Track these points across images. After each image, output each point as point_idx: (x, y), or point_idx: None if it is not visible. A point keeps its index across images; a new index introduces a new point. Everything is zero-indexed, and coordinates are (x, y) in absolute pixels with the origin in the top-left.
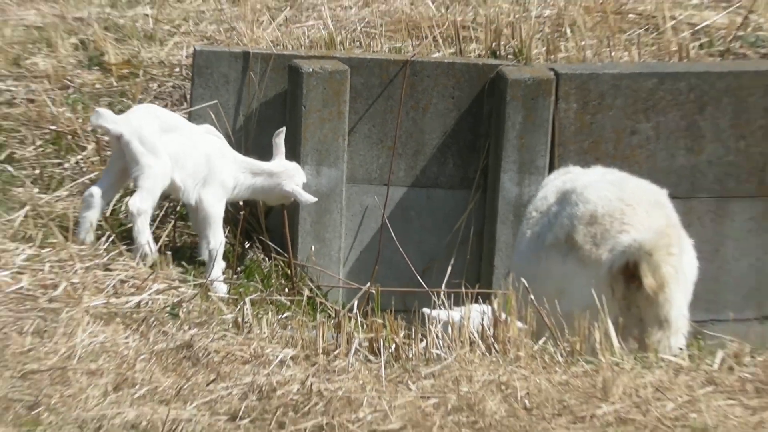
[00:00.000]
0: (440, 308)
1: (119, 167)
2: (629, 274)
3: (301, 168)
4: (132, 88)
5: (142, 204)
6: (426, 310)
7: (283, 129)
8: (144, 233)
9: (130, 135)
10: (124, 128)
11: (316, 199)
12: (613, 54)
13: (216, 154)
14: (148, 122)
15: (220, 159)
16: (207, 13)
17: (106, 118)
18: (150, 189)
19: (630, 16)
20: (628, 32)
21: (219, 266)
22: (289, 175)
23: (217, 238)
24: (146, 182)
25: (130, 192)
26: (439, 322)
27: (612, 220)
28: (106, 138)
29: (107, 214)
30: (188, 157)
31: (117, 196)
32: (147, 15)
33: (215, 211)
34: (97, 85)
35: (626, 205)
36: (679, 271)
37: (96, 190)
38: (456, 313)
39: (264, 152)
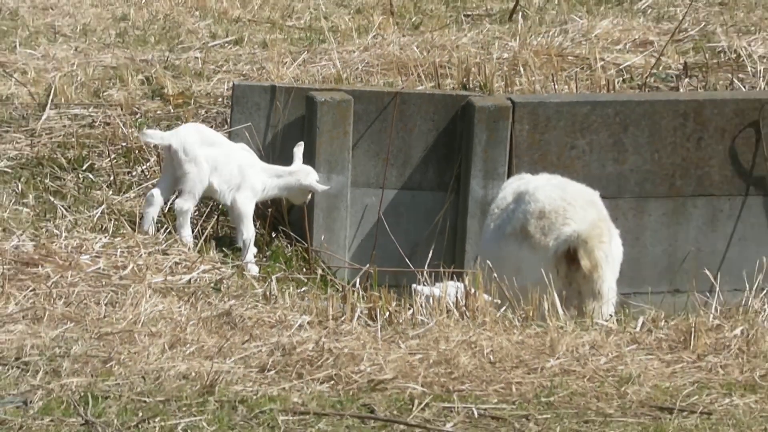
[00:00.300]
0: (424, 284)
1: (172, 173)
2: (570, 258)
3: (314, 169)
4: (185, 114)
5: (184, 204)
6: (414, 286)
7: (302, 142)
8: (185, 227)
9: (177, 146)
10: (173, 140)
11: (328, 187)
12: (556, 87)
13: (247, 165)
14: (191, 136)
15: (250, 168)
16: (243, 56)
17: (152, 135)
18: (190, 191)
19: (569, 57)
20: (567, 70)
21: (251, 252)
22: (305, 173)
23: (248, 232)
24: (188, 186)
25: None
26: (423, 295)
27: (557, 215)
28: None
29: (165, 210)
30: (224, 166)
31: (173, 197)
32: (197, 57)
33: (246, 210)
34: (158, 112)
35: (567, 203)
36: (608, 254)
37: (155, 191)
38: (436, 289)
39: (287, 161)
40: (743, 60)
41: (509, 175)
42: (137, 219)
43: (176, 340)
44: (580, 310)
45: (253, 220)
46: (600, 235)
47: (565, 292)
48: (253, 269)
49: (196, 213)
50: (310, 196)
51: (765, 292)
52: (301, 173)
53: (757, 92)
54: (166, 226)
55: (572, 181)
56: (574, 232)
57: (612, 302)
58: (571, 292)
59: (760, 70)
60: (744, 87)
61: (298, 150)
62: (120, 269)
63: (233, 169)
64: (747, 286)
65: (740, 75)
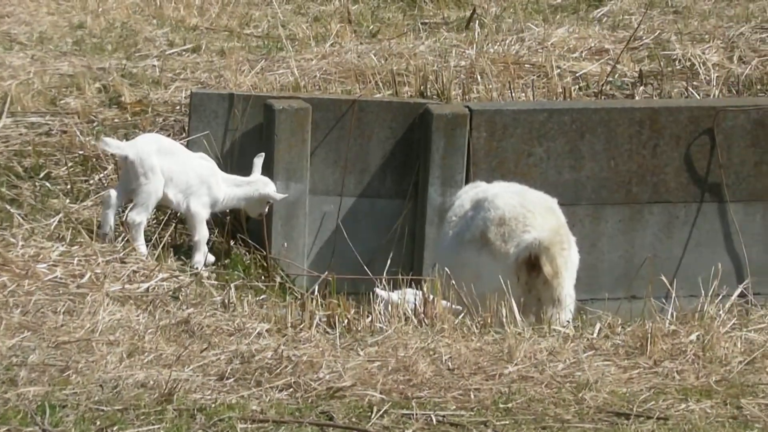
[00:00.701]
0: (384, 290)
1: (128, 182)
2: (530, 265)
3: (272, 181)
4: (143, 122)
5: (137, 217)
6: (376, 290)
7: (263, 154)
8: (138, 240)
9: (134, 157)
10: (130, 151)
11: (286, 195)
12: (513, 95)
13: (208, 174)
14: (148, 147)
15: (211, 178)
16: (201, 64)
17: (110, 144)
18: (144, 204)
19: (526, 65)
20: (524, 78)
21: (201, 254)
22: (264, 183)
23: (201, 233)
24: (141, 198)
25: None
26: (383, 300)
27: (517, 222)
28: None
29: (123, 219)
30: (180, 176)
31: (130, 205)
32: (155, 65)
33: (200, 214)
34: (116, 120)
35: (527, 210)
36: (568, 261)
37: (112, 192)
38: (395, 295)
39: (245, 170)
40: (697, 68)
41: (467, 182)
42: (95, 228)
43: (134, 349)
44: (539, 316)
45: (211, 227)
46: (561, 242)
47: (523, 299)
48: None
49: (154, 221)
50: (267, 208)
51: (720, 297)
52: (260, 183)
53: (711, 99)
54: (124, 234)
55: (530, 189)
56: (536, 239)
57: (570, 309)
58: (530, 299)
59: (713, 78)
60: (698, 94)
61: (258, 160)
62: (77, 278)
63: (190, 179)
64: (702, 291)
65: (694, 83)
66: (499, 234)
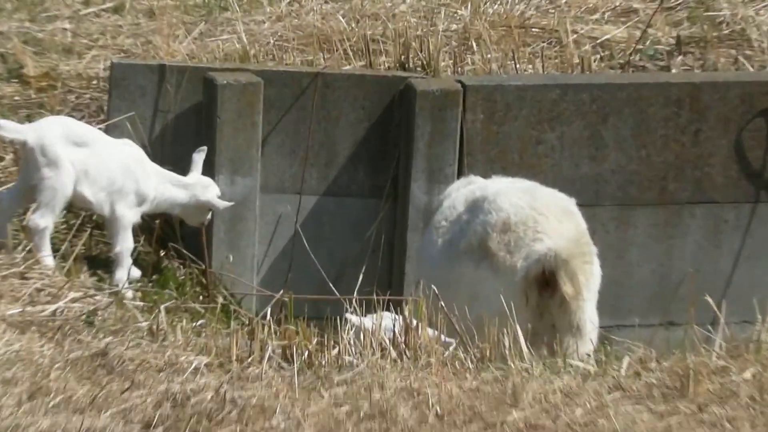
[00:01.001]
0: (355, 314)
1: (28, 177)
2: (543, 282)
3: (214, 183)
4: (50, 100)
5: (41, 221)
6: (347, 315)
7: (205, 148)
8: (43, 249)
9: (34, 143)
10: (29, 136)
11: (232, 203)
12: (517, 66)
13: (135, 166)
14: (53, 132)
15: (140, 171)
16: (124, 27)
17: (5, 127)
18: (49, 204)
19: (533, 30)
20: (531, 46)
21: (123, 268)
22: (204, 186)
23: (125, 243)
24: (45, 196)
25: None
26: (353, 327)
27: (525, 228)
28: None
29: (24, 224)
30: (100, 171)
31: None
32: (65, 29)
33: (126, 220)
34: (16, 97)
35: (538, 213)
36: (589, 278)
37: (5, 194)
38: (368, 320)
39: (179, 162)
40: (749, 33)
41: (459, 176)
42: None
43: (37, 389)
44: (552, 348)
45: (135, 233)
46: (584, 254)
47: (532, 326)
48: (128, 293)
49: (64, 226)
50: (209, 216)
51: None
52: (199, 186)
53: (767, 73)
54: (24, 242)
55: (541, 186)
56: (551, 249)
57: (591, 338)
58: (541, 326)
59: None
60: (751, 66)
61: (198, 157)
62: None
63: (113, 173)
64: (759, 316)
65: (746, 52)
66: (503, 243)
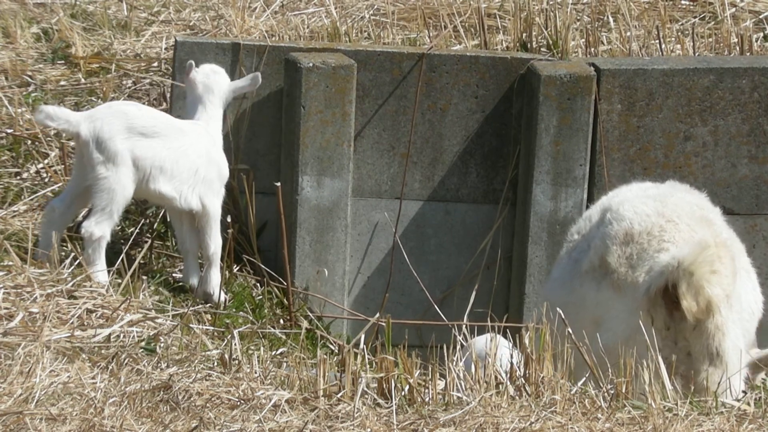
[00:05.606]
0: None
1: (83, 175)
2: (670, 299)
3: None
4: (103, 86)
5: (96, 229)
6: (473, 339)
7: None
8: (98, 262)
9: (88, 135)
10: (82, 127)
11: None
12: (663, 47)
13: (212, 148)
14: (111, 124)
15: (216, 152)
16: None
17: (53, 115)
18: (105, 209)
19: (683, 2)
20: (680, 21)
21: (217, 273)
22: None
23: (218, 240)
24: (101, 200)
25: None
26: (465, 352)
27: (650, 238)
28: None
29: (74, 232)
30: (181, 162)
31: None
32: (120, 1)
33: (217, 208)
34: (62, 82)
35: (667, 220)
36: (731, 295)
37: (57, 202)
38: (480, 342)
39: (258, 159)
40: None
41: (591, 179)
42: (30, 245)
43: (88, 428)
44: (691, 380)
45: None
46: (711, 263)
47: (662, 354)
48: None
49: (119, 235)
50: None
51: None
52: None
53: None
54: (74, 254)
55: (681, 189)
56: (674, 259)
57: (744, 371)
58: (676, 354)
59: None
60: None
61: None
62: (3, 320)
63: (194, 162)
64: None
65: None
66: (624, 257)
